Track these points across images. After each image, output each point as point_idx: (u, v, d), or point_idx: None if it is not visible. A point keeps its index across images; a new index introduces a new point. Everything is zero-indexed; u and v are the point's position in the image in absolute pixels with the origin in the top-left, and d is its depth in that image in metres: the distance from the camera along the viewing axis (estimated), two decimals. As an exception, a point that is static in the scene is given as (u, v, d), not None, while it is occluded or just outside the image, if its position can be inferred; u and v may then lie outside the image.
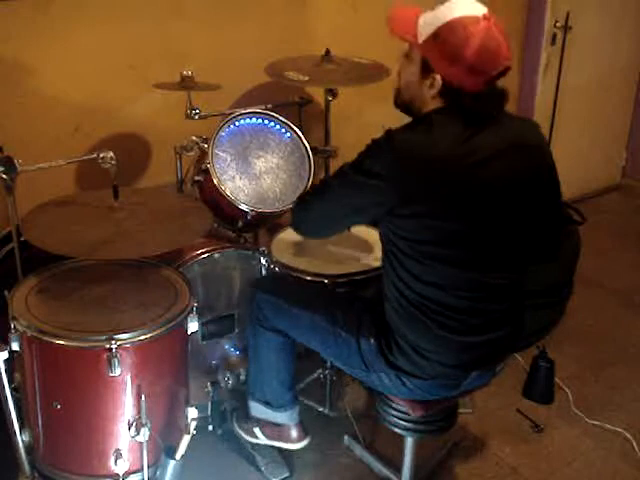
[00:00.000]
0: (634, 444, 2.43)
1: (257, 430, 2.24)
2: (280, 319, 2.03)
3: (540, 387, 2.61)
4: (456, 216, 1.65)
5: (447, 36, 1.61)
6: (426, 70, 1.68)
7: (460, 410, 2.14)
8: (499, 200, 1.68)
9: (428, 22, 1.64)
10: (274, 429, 2.21)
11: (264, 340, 2.09)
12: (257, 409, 2.20)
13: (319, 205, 1.83)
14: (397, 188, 1.63)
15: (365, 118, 3.25)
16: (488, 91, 1.66)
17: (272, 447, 2.27)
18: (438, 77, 1.65)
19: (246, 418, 2.26)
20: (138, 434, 1.80)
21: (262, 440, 2.25)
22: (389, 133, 1.67)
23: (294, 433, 2.21)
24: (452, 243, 1.67)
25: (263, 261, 2.30)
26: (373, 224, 1.78)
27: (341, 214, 1.80)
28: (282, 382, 2.15)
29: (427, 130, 1.65)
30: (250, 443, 2.29)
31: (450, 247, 1.67)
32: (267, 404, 2.17)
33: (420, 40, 1.66)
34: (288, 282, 2.23)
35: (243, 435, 2.29)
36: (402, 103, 1.79)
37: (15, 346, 1.80)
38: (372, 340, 1.83)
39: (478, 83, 1.63)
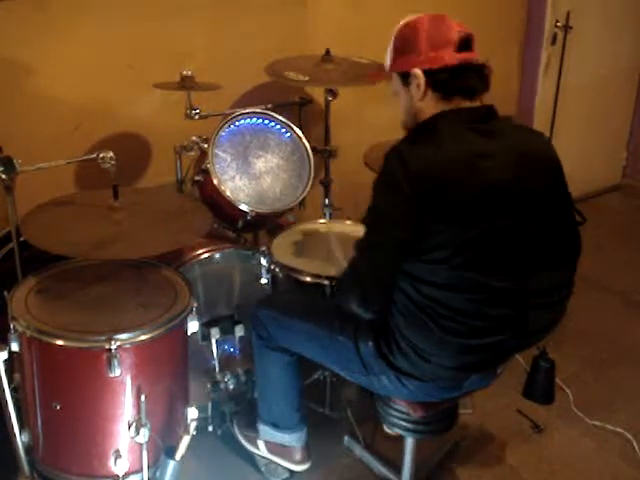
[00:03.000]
0: (634, 444, 2.43)
1: (260, 443, 2.24)
2: (281, 333, 2.03)
3: (540, 387, 2.60)
4: (471, 224, 1.64)
5: (401, 39, 1.74)
6: (405, 78, 1.74)
7: (460, 410, 2.14)
8: (511, 206, 1.68)
9: (387, 52, 1.79)
10: (278, 447, 2.22)
11: (270, 360, 2.10)
12: (265, 432, 2.20)
13: (370, 262, 1.73)
14: (420, 203, 1.61)
15: (365, 118, 3.25)
16: (466, 63, 1.69)
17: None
18: (416, 70, 1.70)
19: (248, 426, 2.26)
20: (138, 434, 1.79)
21: (264, 453, 2.25)
22: (397, 154, 1.64)
23: (298, 455, 2.21)
24: (466, 250, 1.66)
25: (263, 261, 2.30)
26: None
27: (394, 254, 1.70)
28: (290, 402, 2.15)
29: (436, 142, 1.63)
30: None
31: (464, 254, 1.66)
32: (274, 426, 2.18)
33: (387, 67, 1.79)
34: (287, 296, 2.23)
35: (245, 444, 2.28)
36: (410, 129, 1.80)
37: (15, 346, 1.80)
38: (370, 342, 1.83)
39: (450, 54, 1.67)
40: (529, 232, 1.73)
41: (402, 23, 1.76)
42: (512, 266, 1.74)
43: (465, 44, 1.68)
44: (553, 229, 1.79)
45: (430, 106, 1.72)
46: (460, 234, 1.64)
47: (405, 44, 1.73)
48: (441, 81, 1.69)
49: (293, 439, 2.19)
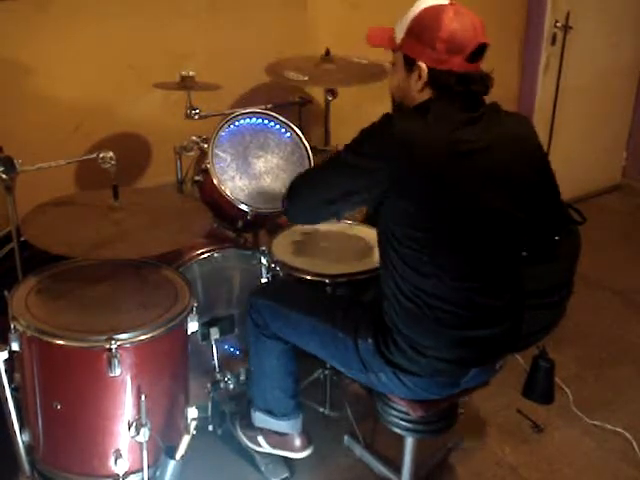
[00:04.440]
0: (634, 444, 2.43)
1: (261, 439, 2.24)
2: (279, 324, 2.03)
3: (540, 387, 2.60)
4: (452, 201, 1.66)
5: (420, 25, 1.71)
6: (410, 64, 1.74)
7: (460, 410, 2.14)
8: (494, 188, 1.69)
9: (401, 24, 1.75)
10: (278, 438, 2.22)
11: (265, 348, 2.09)
12: (260, 419, 2.20)
13: (314, 190, 1.84)
14: (395, 171, 1.65)
15: (365, 118, 3.23)
16: (473, 73, 1.70)
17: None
18: (423, 65, 1.70)
19: (249, 425, 2.26)
20: (138, 434, 1.80)
21: (266, 449, 2.25)
22: (388, 118, 1.69)
23: (298, 442, 2.21)
24: (449, 229, 1.69)
25: (263, 261, 2.30)
26: (373, 211, 1.80)
27: (336, 198, 1.79)
28: (285, 390, 2.14)
29: (424, 117, 1.67)
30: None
31: (447, 234, 1.69)
32: (270, 413, 2.17)
33: (397, 41, 1.76)
34: (286, 287, 2.23)
35: (247, 443, 2.28)
36: (396, 108, 1.84)
37: (15, 346, 1.80)
38: (369, 340, 1.83)
39: (460, 62, 1.68)
40: (515, 216, 1.74)
41: (428, 4, 1.71)
42: (499, 250, 1.75)
43: (478, 54, 1.68)
44: (540, 215, 1.80)
45: (423, 96, 1.74)
46: (440, 216, 1.67)
47: (422, 32, 1.70)
48: (444, 84, 1.70)
49: (289, 426, 2.18)
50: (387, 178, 1.66)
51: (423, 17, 1.71)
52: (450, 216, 1.68)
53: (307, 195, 1.86)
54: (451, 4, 1.71)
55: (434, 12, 1.69)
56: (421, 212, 1.67)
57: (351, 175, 1.73)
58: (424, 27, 1.70)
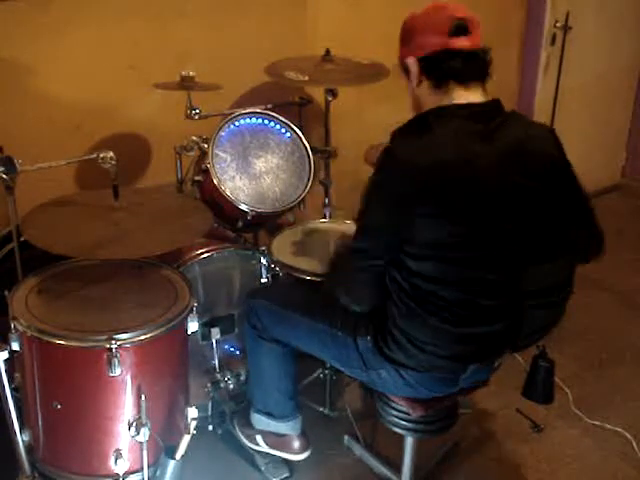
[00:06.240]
0: (634, 444, 2.43)
1: (259, 438, 2.24)
2: (277, 325, 2.03)
3: (540, 387, 2.59)
4: (459, 219, 1.65)
5: (402, 31, 1.76)
6: (405, 69, 1.76)
7: (460, 410, 2.14)
8: (501, 203, 1.68)
9: None
10: (276, 439, 2.22)
11: (263, 350, 2.09)
12: (259, 421, 2.20)
13: (355, 265, 1.78)
14: (403, 193, 1.63)
15: (365, 118, 3.25)
16: (455, 49, 1.66)
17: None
18: (409, 59, 1.72)
19: (248, 424, 2.26)
20: (138, 434, 1.80)
21: (264, 448, 2.25)
22: (388, 151, 1.67)
23: (296, 444, 2.21)
24: (454, 245, 1.67)
25: (263, 261, 2.30)
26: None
27: (378, 260, 1.75)
28: (283, 392, 2.15)
29: (427, 134, 1.65)
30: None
31: (451, 248, 1.67)
32: (269, 415, 2.17)
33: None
34: (283, 288, 2.23)
35: (245, 441, 2.28)
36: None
37: (15, 346, 1.80)
38: (369, 337, 1.83)
39: (440, 41, 1.66)
40: (520, 228, 1.73)
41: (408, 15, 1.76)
42: (501, 261, 1.74)
43: (460, 30, 1.65)
44: (548, 226, 1.79)
45: (425, 94, 1.73)
46: (443, 232, 1.65)
47: (403, 35, 1.76)
48: (429, 66, 1.69)
49: (289, 427, 2.18)
50: (402, 210, 1.65)
51: (403, 23, 1.76)
52: (456, 235, 1.66)
53: (360, 272, 1.79)
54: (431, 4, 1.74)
55: (411, 14, 1.74)
56: (427, 229, 1.65)
57: (388, 229, 1.70)
58: (403, 30, 1.76)
